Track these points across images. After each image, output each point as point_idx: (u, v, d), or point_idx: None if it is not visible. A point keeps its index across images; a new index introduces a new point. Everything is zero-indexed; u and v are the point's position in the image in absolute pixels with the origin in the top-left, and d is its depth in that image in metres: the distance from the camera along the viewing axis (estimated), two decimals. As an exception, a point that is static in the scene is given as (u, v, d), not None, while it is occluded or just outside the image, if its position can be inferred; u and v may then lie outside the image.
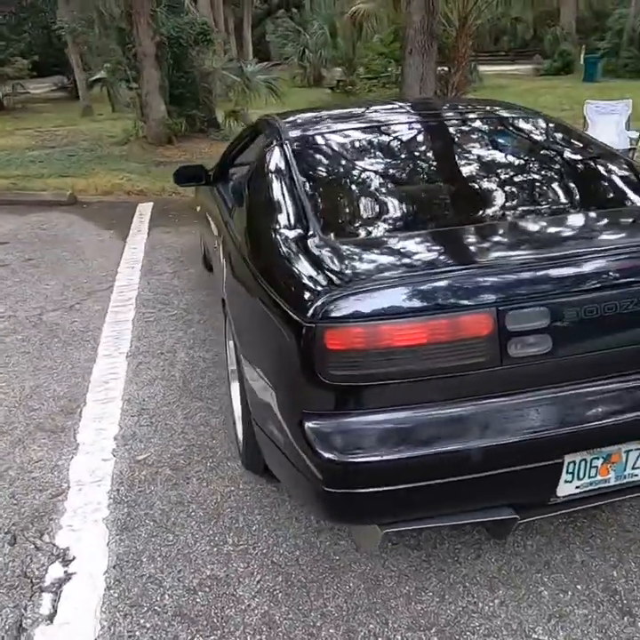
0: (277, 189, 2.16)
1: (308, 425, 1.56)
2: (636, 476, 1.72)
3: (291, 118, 2.75)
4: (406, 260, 1.73)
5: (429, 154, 2.46)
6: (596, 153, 2.41)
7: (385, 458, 1.49)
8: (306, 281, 1.65)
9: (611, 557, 1.95)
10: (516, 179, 2.32)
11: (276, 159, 2.33)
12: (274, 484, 2.32)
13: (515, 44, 31.29)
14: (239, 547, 2.06)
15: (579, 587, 1.86)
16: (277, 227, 1.99)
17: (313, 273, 1.66)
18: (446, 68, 12.92)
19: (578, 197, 2.23)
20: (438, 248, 1.80)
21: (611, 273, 1.60)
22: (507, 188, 2.25)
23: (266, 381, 1.80)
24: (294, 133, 2.47)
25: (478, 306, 1.52)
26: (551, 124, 2.65)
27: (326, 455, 1.52)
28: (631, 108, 7.60)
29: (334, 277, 1.60)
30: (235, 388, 2.58)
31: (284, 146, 2.36)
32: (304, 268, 1.70)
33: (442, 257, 1.74)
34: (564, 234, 1.87)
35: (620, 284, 1.59)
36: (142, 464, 2.50)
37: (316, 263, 1.70)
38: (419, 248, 1.81)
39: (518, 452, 1.54)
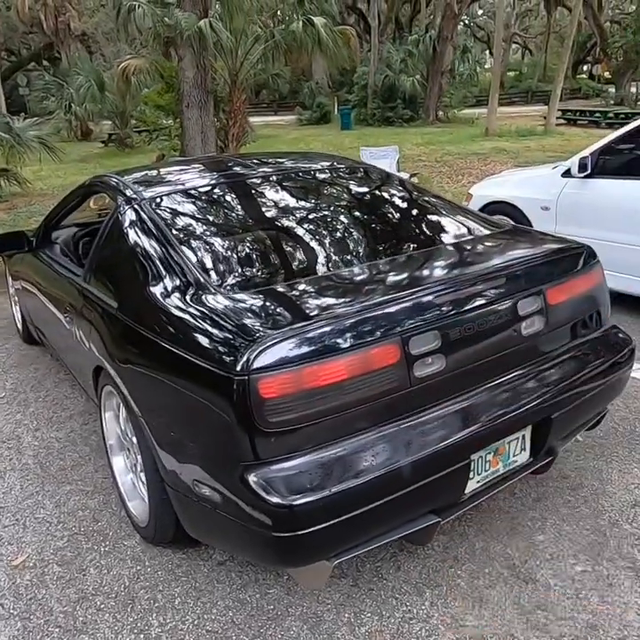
0: (149, 250, 2.14)
1: (251, 476, 1.58)
2: (516, 461, 2.03)
3: (135, 177, 2.71)
4: (313, 303, 1.85)
5: (288, 204, 2.62)
6: (426, 195, 2.79)
7: (330, 492, 1.57)
8: (223, 335, 1.67)
9: (502, 538, 2.24)
10: (372, 221, 2.58)
11: (136, 220, 2.29)
12: (184, 550, 2.23)
13: (275, 96, 33.72)
14: (167, 626, 1.94)
15: (486, 570, 2.10)
16: (164, 287, 1.97)
17: (228, 326, 1.69)
18: (225, 121, 13.43)
19: (428, 234, 2.54)
20: (335, 289, 1.95)
21: (482, 294, 1.90)
22: (371, 229, 2.50)
23: (187, 444, 1.77)
24: (148, 193, 2.45)
25: (388, 336, 1.70)
26: (379, 174, 2.98)
27: (274, 501, 1.54)
28: (398, 152, 8.68)
29: (252, 328, 1.66)
30: (119, 461, 2.44)
31: (142, 206, 2.34)
32: (215, 323, 1.73)
33: (344, 296, 1.88)
34: (434, 265, 2.14)
35: (488, 303, 1.90)
36: (22, 568, 2.21)
37: (226, 317, 1.73)
38: (317, 291, 1.94)
39: (439, 459, 1.73)
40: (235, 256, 2.19)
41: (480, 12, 46.85)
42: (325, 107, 27.65)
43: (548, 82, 38.25)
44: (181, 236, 2.21)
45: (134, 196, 2.42)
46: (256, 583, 2.08)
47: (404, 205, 2.73)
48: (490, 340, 1.93)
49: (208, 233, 2.31)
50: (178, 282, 1.97)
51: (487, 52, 41.68)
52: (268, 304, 1.83)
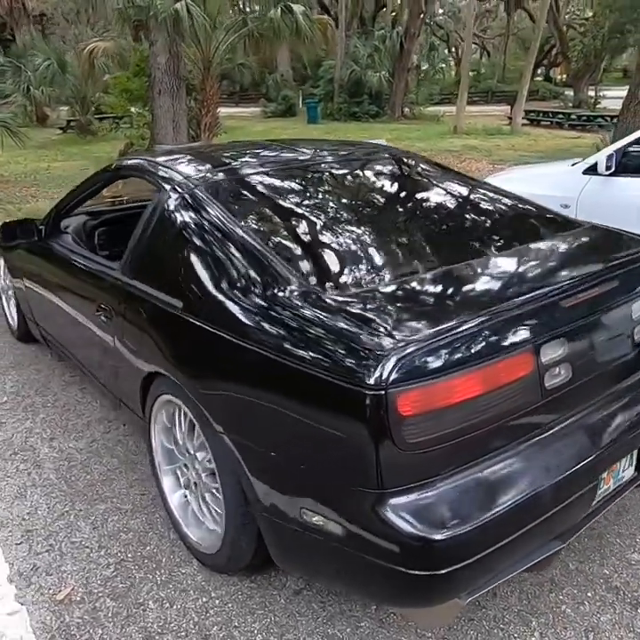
0: (227, 244, 1.87)
1: (385, 505, 1.37)
2: (624, 477, 1.88)
3: (178, 161, 2.44)
4: (439, 306, 1.65)
5: (371, 193, 2.40)
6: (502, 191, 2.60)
7: (476, 522, 1.38)
8: (346, 342, 1.45)
9: (594, 557, 2.09)
10: (464, 212, 2.39)
11: (200, 209, 2.03)
12: (251, 578, 2.00)
13: (235, 87, 33.09)
14: (254, 668, 1.71)
15: (588, 594, 1.95)
16: (254, 287, 1.72)
17: (350, 332, 1.47)
18: (197, 110, 13.01)
19: (525, 230, 2.32)
20: (455, 289, 1.75)
21: (603, 296, 1.74)
22: (466, 222, 2.31)
23: (293, 467, 1.54)
24: (207, 178, 2.20)
25: (523, 343, 1.52)
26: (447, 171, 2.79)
27: (415, 534, 1.34)
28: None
29: (384, 334, 1.44)
30: (170, 480, 2.18)
31: (204, 193, 2.08)
32: (332, 328, 1.50)
33: (471, 297, 1.69)
34: (547, 264, 1.97)
35: (607, 305, 1.74)
36: (68, 603, 1.94)
37: (346, 321, 1.51)
38: (437, 291, 1.74)
39: (576, 480, 1.56)
40: (330, 251, 1.94)
41: (440, 11, 47.28)
42: (291, 99, 27.35)
43: (507, 83, 38.96)
44: (261, 227, 1.98)
45: (189, 182, 2.16)
46: (342, 615, 1.87)
47: (489, 199, 2.52)
48: (608, 347, 1.77)
49: (289, 224, 2.07)
50: (272, 280, 1.72)
51: (445, 50, 42.05)
52: (389, 306, 1.62)
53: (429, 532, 1.35)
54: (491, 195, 2.53)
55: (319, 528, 1.51)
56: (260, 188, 2.25)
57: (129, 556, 2.13)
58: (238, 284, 1.76)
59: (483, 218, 2.41)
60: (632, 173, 4.06)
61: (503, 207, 2.47)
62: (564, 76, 34.68)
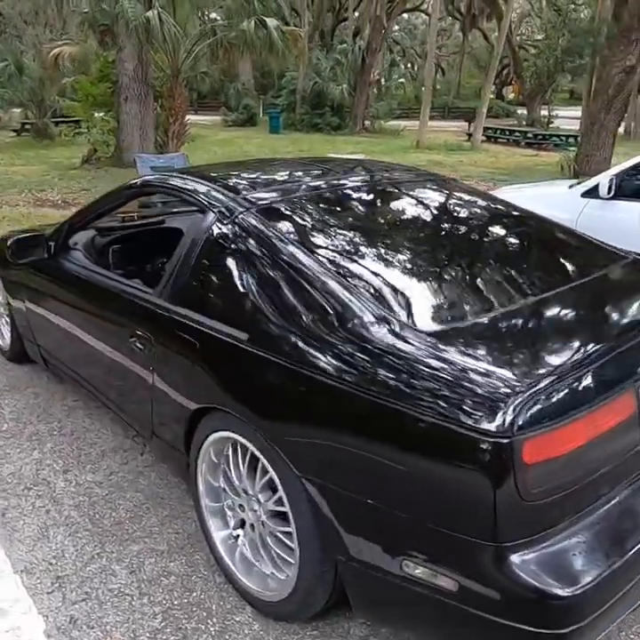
0: (301, 273, 1.76)
1: (511, 559, 1.30)
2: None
3: (220, 179, 2.32)
4: (550, 341, 1.59)
5: (430, 218, 2.34)
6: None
7: (603, 572, 1.33)
8: (467, 385, 1.37)
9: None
10: (525, 242, 2.35)
11: (260, 234, 1.92)
12: (313, 624, 1.89)
13: (193, 95, 32.81)
14: None
15: (656, 630, 1.92)
16: (342, 319, 1.62)
17: (470, 373, 1.39)
18: (166, 117, 12.78)
19: (584, 263, 2.27)
20: (559, 324, 1.70)
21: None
22: (543, 256, 2.27)
23: (392, 516, 1.44)
24: (257, 200, 2.09)
25: (631, 379, 1.48)
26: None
27: (548, 591, 1.27)
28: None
29: (505, 376, 1.38)
30: (220, 523, 2.04)
31: (260, 216, 1.98)
32: (449, 368, 1.41)
33: (575, 333, 1.64)
34: (622, 298, 1.94)
35: None
36: (117, 659, 1.78)
37: (459, 360, 1.43)
38: (539, 325, 1.70)
39: None
40: (414, 282, 1.86)
41: (396, 27, 48.20)
42: (252, 109, 27.28)
43: (463, 99, 39.99)
44: (333, 255, 1.88)
45: (238, 204, 2.05)
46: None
47: (549, 229, 2.48)
48: None
49: (361, 252, 1.98)
50: (361, 315, 1.62)
51: (403, 66, 42.83)
52: (495, 343, 1.56)
53: (558, 586, 1.29)
54: (548, 224, 2.51)
55: (422, 581, 1.42)
56: (314, 211, 2.16)
57: (175, 603, 1.98)
58: (320, 319, 1.66)
59: (553, 248, 2.38)
60: (631, 197, 4.15)
61: (564, 237, 2.45)
62: (518, 95, 35.80)
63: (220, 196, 2.14)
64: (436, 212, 2.47)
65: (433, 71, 21.27)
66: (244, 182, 2.40)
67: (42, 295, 2.98)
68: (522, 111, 32.38)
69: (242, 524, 1.98)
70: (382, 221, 2.26)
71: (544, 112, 29.52)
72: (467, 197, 2.63)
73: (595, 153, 10.79)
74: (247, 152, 17.40)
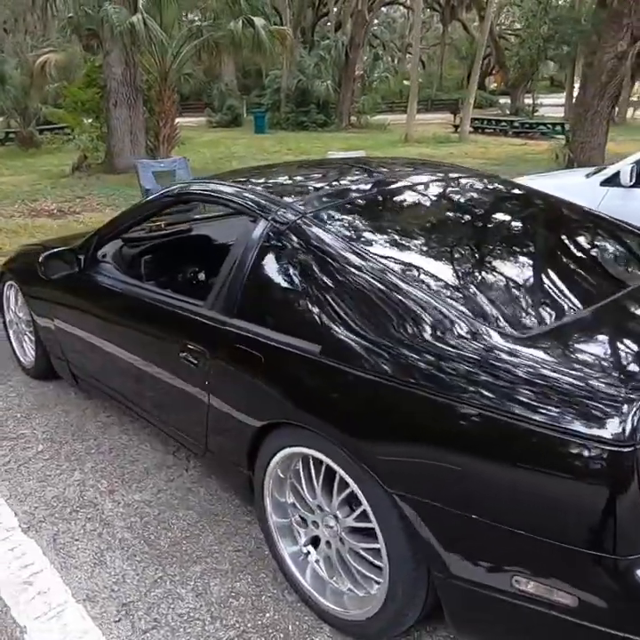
0: (371, 280, 1.70)
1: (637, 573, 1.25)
2: None
3: (266, 184, 2.26)
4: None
5: (497, 220, 2.29)
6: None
7: None
8: (580, 392, 1.31)
9: None
10: (588, 242, 2.31)
11: (322, 240, 1.85)
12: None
13: (178, 97, 32.57)
14: None
15: None
16: (434, 330, 1.55)
17: (580, 379, 1.33)
18: (156, 121, 12.64)
19: None
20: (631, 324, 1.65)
21: None
22: (610, 254, 2.22)
23: (498, 531, 1.38)
24: (314, 206, 2.03)
25: None
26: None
27: None
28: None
29: (619, 382, 1.32)
30: (291, 540, 1.97)
31: (324, 222, 1.92)
32: (555, 375, 1.35)
33: None
34: None
35: None
36: (200, 689, 1.71)
37: (564, 366, 1.37)
38: (629, 325, 1.64)
39: None
40: (495, 285, 1.81)
41: (376, 21, 48.17)
42: (236, 109, 27.11)
43: (445, 91, 40.04)
44: (407, 260, 1.81)
45: (294, 210, 1.98)
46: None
47: (606, 222, 2.45)
48: None
49: (431, 255, 1.92)
50: (449, 321, 1.56)
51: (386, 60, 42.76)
52: (596, 347, 1.51)
53: None
54: (602, 218, 2.47)
55: (536, 597, 1.36)
56: (374, 214, 2.09)
57: (249, 626, 1.91)
58: (409, 329, 1.59)
59: (618, 244, 2.34)
60: (654, 185, 4.13)
61: (620, 231, 2.41)
62: (501, 84, 35.88)
63: (272, 203, 2.07)
64: (498, 210, 2.42)
65: (417, 65, 21.17)
66: (293, 187, 2.33)
67: (74, 310, 2.89)
68: (505, 100, 32.47)
69: (314, 540, 1.92)
70: (444, 222, 2.20)
71: (528, 100, 29.61)
72: (523, 195, 2.58)
73: (589, 140, 10.80)
74: (235, 153, 17.27)
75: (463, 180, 2.50)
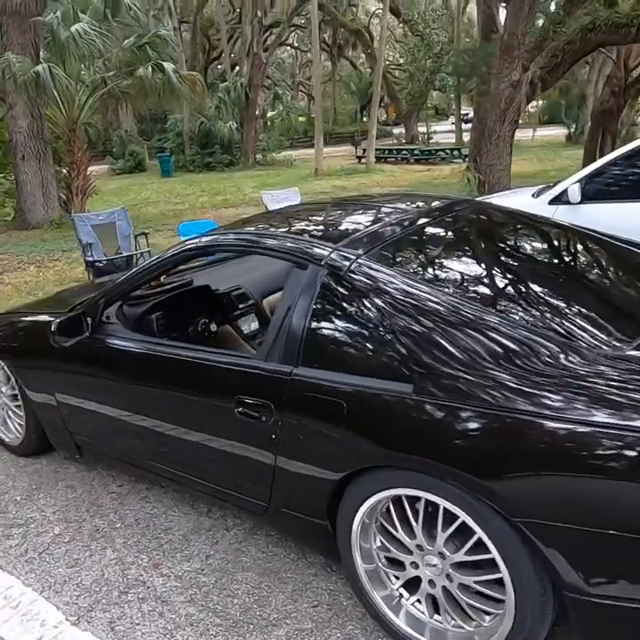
0: (463, 314, 1.76)
1: None
2: None
3: (302, 228, 2.25)
4: None
5: (525, 246, 2.39)
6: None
7: None
8: None
9: None
10: (590, 263, 2.45)
11: (381, 282, 1.88)
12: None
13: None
14: None
15: None
16: (536, 356, 1.61)
17: None
18: (67, 173, 12.25)
19: None
20: None
21: None
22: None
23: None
24: (358, 246, 2.05)
25: None
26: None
27: None
28: (299, 194, 8.57)
29: None
30: (385, 587, 1.93)
31: (369, 264, 1.95)
32: None
33: None
34: None
35: None
36: None
37: None
38: None
39: None
40: (567, 306, 1.90)
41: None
42: (139, 155, 26.76)
43: (340, 125, 41.52)
44: (475, 288, 1.88)
45: (344, 253, 2.00)
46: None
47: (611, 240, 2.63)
48: None
49: (498, 283, 1.99)
50: (547, 344, 1.64)
51: (289, 98, 43.78)
52: None
53: None
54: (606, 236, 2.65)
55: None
56: (425, 249, 2.15)
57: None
58: (506, 357, 1.64)
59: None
60: (597, 199, 4.47)
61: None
62: (392, 115, 37.64)
63: (319, 247, 2.07)
64: (536, 236, 2.55)
65: (320, 102, 21.87)
66: (328, 229, 2.34)
67: (84, 377, 2.71)
68: (397, 131, 34.14)
69: (410, 581, 1.89)
70: (490, 250, 2.29)
71: (420, 129, 31.25)
72: (543, 221, 2.74)
73: (496, 162, 11.54)
74: (148, 198, 16.97)
75: (484, 209, 2.63)
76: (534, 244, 2.55)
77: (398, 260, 2.05)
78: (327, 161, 22.88)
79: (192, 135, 25.25)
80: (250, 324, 3.12)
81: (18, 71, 10.07)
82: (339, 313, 1.96)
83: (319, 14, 32.07)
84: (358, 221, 2.47)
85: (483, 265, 2.19)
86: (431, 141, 28.35)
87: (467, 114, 30.66)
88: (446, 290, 1.86)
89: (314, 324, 1.97)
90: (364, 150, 24.89)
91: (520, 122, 12.63)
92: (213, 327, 2.87)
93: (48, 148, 11.73)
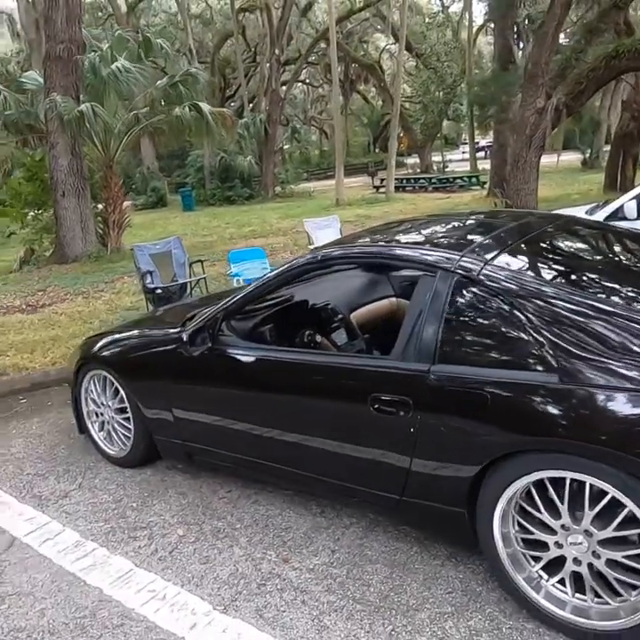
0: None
1: None
2: None
3: (425, 241, 2.46)
4: None
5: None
6: None
7: None
8: None
9: None
10: None
11: (517, 285, 2.08)
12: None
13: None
14: None
15: None
16: None
17: None
18: (105, 208, 12.68)
19: None
20: None
21: None
22: None
23: None
24: (481, 253, 2.25)
25: None
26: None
27: None
28: (339, 221, 8.83)
29: None
30: (520, 571, 2.06)
31: (499, 270, 2.14)
32: None
33: None
34: None
35: None
36: None
37: None
38: None
39: None
40: None
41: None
42: (160, 190, 27.37)
43: (354, 157, 42.28)
44: (596, 286, 2.08)
45: (473, 260, 2.20)
46: None
47: None
48: None
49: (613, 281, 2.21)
50: None
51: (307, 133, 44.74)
52: None
53: None
54: None
55: None
56: (538, 255, 2.35)
57: (510, 658, 1.97)
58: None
59: None
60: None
61: None
62: (406, 146, 38.28)
63: (447, 255, 2.26)
64: (625, 241, 2.75)
65: (342, 135, 22.43)
66: (445, 240, 2.54)
67: (201, 388, 2.90)
68: (411, 160, 34.73)
69: (551, 562, 2.02)
70: (594, 251, 2.51)
71: (434, 158, 31.75)
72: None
73: (523, 186, 11.80)
74: (175, 231, 17.35)
75: (575, 220, 2.84)
76: (631, 245, 2.73)
77: (518, 264, 2.24)
78: (346, 191, 23.32)
79: (212, 170, 25.85)
80: (342, 337, 3.32)
81: (63, 111, 10.53)
82: (473, 313, 2.14)
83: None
84: (465, 233, 2.67)
85: (593, 264, 2.39)
86: (447, 169, 28.83)
87: (477, 142, 31.25)
88: (570, 288, 2.04)
89: (448, 325, 2.15)
90: (382, 180, 25.41)
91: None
92: (318, 338, 3.05)
93: (86, 184, 12.14)
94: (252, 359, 2.71)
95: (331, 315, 3.28)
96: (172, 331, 3.05)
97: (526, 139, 11.44)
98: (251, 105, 29.80)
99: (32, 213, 13.11)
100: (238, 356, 2.74)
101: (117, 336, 3.45)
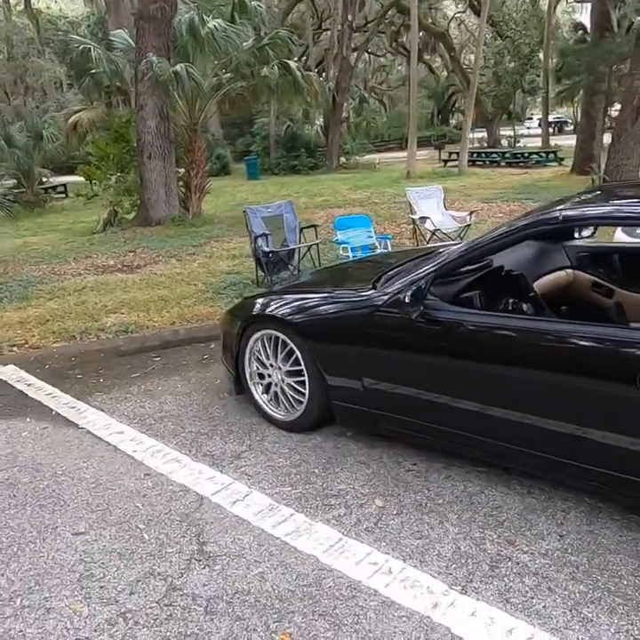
0: None
1: None
2: None
3: None
4: None
5: None
6: None
7: None
8: None
9: None
10: None
11: None
12: None
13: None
14: None
15: None
16: None
17: None
18: (188, 171, 12.64)
19: None
20: None
21: None
22: None
23: None
24: None
25: None
26: None
27: None
28: (442, 191, 8.50)
29: None
30: None
31: None
32: None
33: None
34: None
35: None
36: None
37: None
38: None
39: None
40: None
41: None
42: (224, 158, 27.31)
43: (418, 129, 41.23)
44: None
45: None
46: None
47: None
48: None
49: None
50: None
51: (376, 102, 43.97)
52: None
53: None
54: None
55: None
56: None
57: None
58: None
59: None
60: None
61: None
62: (475, 120, 37.10)
63: None
64: None
65: (415, 108, 21.78)
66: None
67: (404, 354, 2.72)
68: (479, 134, 33.62)
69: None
70: None
71: (510, 132, 30.53)
72: None
73: (625, 162, 11.16)
74: (246, 199, 17.22)
75: None
76: None
77: None
78: (415, 164, 22.75)
79: (278, 138, 25.60)
80: (530, 307, 3.08)
81: (159, 71, 10.42)
82: None
83: (400, 18, 32.20)
84: None
85: None
86: (518, 144, 27.72)
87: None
88: None
89: None
90: (450, 153, 24.68)
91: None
92: (524, 307, 2.83)
93: (172, 147, 12.09)
94: (474, 327, 2.50)
95: (522, 283, 3.04)
96: (364, 293, 2.87)
97: (633, 110, 10.77)
98: (316, 73, 29.29)
99: (116, 175, 13.18)
100: (457, 322, 2.54)
101: (296, 296, 3.25)
